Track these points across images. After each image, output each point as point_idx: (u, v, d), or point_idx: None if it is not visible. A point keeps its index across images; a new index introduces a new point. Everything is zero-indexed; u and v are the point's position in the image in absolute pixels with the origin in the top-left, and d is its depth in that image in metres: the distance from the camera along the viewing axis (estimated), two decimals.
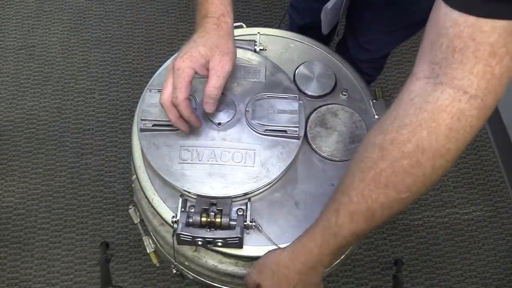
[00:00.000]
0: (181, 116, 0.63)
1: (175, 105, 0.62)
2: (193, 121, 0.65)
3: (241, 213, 0.66)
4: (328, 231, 0.53)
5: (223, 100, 0.71)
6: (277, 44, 0.82)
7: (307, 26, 1.14)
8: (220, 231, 0.64)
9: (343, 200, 0.52)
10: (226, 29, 0.62)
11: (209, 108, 0.64)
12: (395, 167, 0.48)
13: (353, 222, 0.52)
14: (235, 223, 0.64)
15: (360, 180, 0.50)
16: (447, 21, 0.45)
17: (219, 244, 0.64)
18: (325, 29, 0.97)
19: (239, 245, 0.64)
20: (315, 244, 0.55)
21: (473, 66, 0.43)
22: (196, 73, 0.61)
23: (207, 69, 0.62)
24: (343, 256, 0.82)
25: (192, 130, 0.69)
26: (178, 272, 0.83)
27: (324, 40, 1.05)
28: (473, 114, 0.45)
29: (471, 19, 0.43)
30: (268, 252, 0.63)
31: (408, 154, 0.47)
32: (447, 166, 0.48)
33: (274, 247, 0.65)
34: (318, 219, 0.56)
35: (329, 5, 0.90)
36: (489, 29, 0.42)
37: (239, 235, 0.63)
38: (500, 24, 0.42)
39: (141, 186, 0.71)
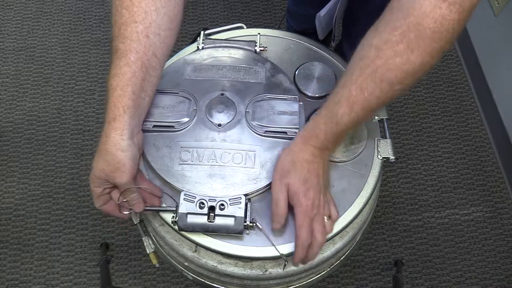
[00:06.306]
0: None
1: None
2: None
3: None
4: (331, 119, 0.60)
5: (223, 101, 0.72)
6: (277, 45, 0.82)
7: (304, 32, 1.15)
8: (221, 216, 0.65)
9: (344, 93, 0.59)
10: (113, 138, 0.61)
11: (137, 207, 0.67)
12: (389, 65, 0.54)
13: (352, 112, 0.58)
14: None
15: (358, 76, 0.57)
16: None
17: (221, 223, 0.64)
18: (320, 35, 0.98)
19: (240, 226, 0.65)
20: (320, 130, 0.62)
21: None
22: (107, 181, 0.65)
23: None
24: (343, 258, 0.82)
25: (192, 131, 0.69)
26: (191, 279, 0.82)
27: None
28: (454, 18, 0.51)
29: None
30: (281, 153, 0.67)
31: (400, 53, 0.54)
32: (432, 62, 0.55)
33: (273, 247, 0.65)
34: (321, 110, 0.62)
35: (322, 12, 0.90)
36: None
37: (242, 215, 0.64)
38: None
39: None
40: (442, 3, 0.51)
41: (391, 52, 0.54)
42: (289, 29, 1.23)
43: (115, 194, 0.67)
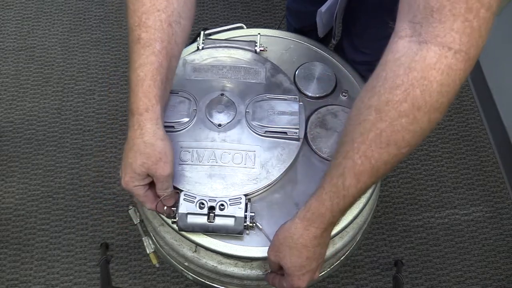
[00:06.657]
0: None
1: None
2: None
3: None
4: (337, 194, 0.55)
5: (223, 101, 0.72)
6: (277, 45, 0.82)
7: (303, 30, 1.14)
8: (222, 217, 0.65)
9: (347, 164, 0.54)
10: (150, 129, 0.59)
11: (168, 202, 0.65)
12: (395, 126, 0.50)
13: (360, 182, 0.54)
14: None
15: (361, 142, 0.52)
16: None
17: (221, 223, 0.64)
18: (320, 32, 0.97)
19: (240, 226, 0.65)
20: (326, 208, 0.57)
21: (452, 24, 0.45)
22: (148, 175, 0.62)
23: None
24: (343, 258, 0.82)
25: (192, 132, 0.69)
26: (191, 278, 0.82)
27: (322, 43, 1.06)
28: (460, 67, 0.47)
29: None
30: (279, 229, 0.63)
31: (405, 112, 0.49)
32: (440, 117, 0.51)
33: None
34: (324, 185, 0.57)
35: (323, 8, 0.90)
36: None
37: (242, 215, 0.64)
38: None
39: None
40: (448, 51, 0.46)
41: (395, 113, 0.49)
42: (289, 26, 1.22)
43: (154, 190, 0.65)
